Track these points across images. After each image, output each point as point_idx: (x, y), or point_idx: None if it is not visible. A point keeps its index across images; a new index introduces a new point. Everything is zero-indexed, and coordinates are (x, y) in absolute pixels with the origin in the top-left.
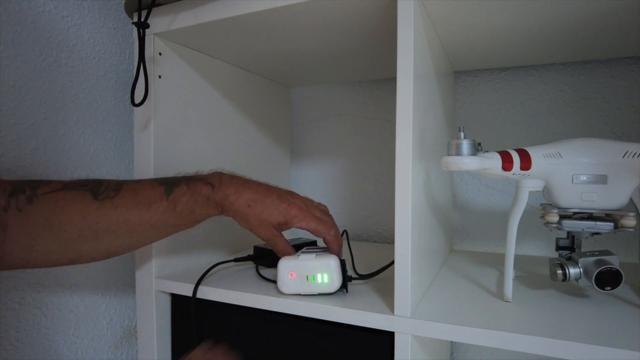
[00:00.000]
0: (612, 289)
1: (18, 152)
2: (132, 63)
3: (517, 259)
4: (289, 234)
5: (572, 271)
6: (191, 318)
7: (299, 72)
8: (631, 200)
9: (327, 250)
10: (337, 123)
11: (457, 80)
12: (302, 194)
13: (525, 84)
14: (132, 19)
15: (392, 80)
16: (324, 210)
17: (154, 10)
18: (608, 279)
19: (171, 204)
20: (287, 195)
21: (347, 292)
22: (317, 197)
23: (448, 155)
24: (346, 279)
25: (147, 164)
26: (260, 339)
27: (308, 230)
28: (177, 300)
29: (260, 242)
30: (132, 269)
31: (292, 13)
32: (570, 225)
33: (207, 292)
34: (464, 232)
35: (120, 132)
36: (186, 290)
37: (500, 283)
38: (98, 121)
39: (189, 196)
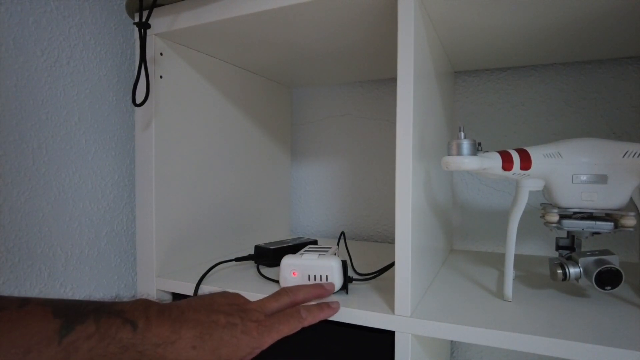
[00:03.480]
0: (612, 289)
1: (20, 152)
2: (133, 63)
3: (517, 258)
4: (290, 234)
5: (572, 271)
6: None
7: (300, 72)
8: (631, 200)
9: (329, 250)
10: (337, 123)
11: (457, 80)
12: (303, 194)
13: (525, 84)
14: (133, 19)
15: (392, 80)
16: (263, 303)
17: (155, 10)
18: (608, 278)
19: (64, 353)
20: (233, 309)
21: (347, 292)
22: (317, 197)
23: (448, 155)
24: (347, 280)
25: (148, 164)
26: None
27: (287, 335)
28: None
29: (261, 241)
30: (134, 268)
31: (293, 13)
32: (570, 224)
33: (209, 291)
34: (464, 232)
35: (122, 132)
36: (187, 289)
37: (500, 282)
38: (99, 121)
39: (95, 341)
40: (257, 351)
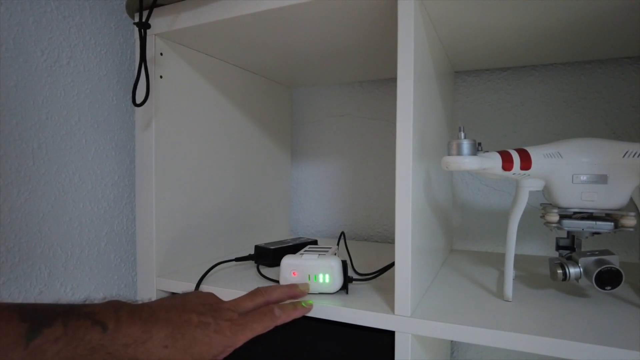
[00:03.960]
0: (612, 289)
1: (20, 152)
2: (133, 63)
3: (517, 258)
4: (290, 234)
5: (572, 271)
6: None
7: (300, 72)
8: (631, 199)
9: (329, 250)
10: (337, 123)
11: (458, 80)
12: (303, 194)
13: (525, 84)
14: (134, 19)
15: (392, 80)
16: (237, 303)
17: (155, 10)
18: (608, 278)
19: (30, 357)
20: (206, 308)
21: (347, 293)
22: (317, 197)
23: (448, 155)
24: (347, 280)
25: (148, 164)
26: (260, 338)
27: (260, 333)
28: None
29: (261, 241)
30: (134, 268)
31: (293, 13)
32: (570, 224)
33: (207, 292)
34: (464, 232)
35: (122, 132)
36: (187, 289)
37: (501, 282)
38: (99, 121)
39: (63, 344)
40: (230, 349)
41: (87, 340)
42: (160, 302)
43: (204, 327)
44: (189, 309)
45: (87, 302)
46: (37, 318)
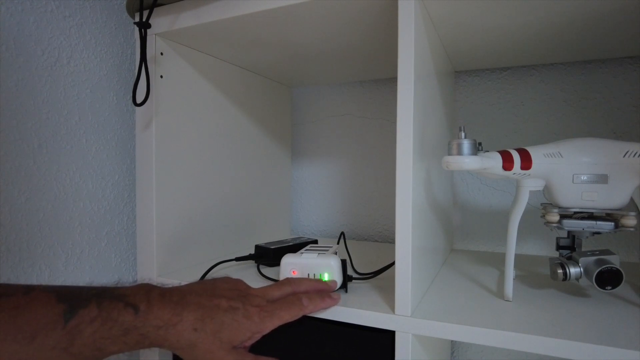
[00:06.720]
0: (612, 289)
1: (20, 152)
2: (133, 63)
3: (518, 258)
4: (290, 234)
5: (573, 270)
6: None
7: (300, 72)
8: (632, 199)
9: (329, 249)
10: (338, 123)
11: (458, 80)
12: (303, 194)
13: (526, 83)
14: (134, 19)
15: (392, 80)
16: (265, 290)
17: (156, 10)
18: (608, 278)
19: (68, 336)
20: (235, 294)
21: (346, 291)
22: (317, 197)
23: (449, 154)
24: (346, 279)
25: (148, 163)
26: (260, 338)
27: (288, 321)
28: None
29: (261, 241)
30: (134, 268)
31: (293, 13)
32: (570, 224)
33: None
34: (464, 232)
35: (122, 131)
36: None
37: (501, 282)
38: (100, 121)
39: (98, 324)
40: (258, 336)
41: (120, 321)
42: (190, 286)
43: (233, 312)
44: (219, 294)
45: (118, 285)
46: (73, 299)
